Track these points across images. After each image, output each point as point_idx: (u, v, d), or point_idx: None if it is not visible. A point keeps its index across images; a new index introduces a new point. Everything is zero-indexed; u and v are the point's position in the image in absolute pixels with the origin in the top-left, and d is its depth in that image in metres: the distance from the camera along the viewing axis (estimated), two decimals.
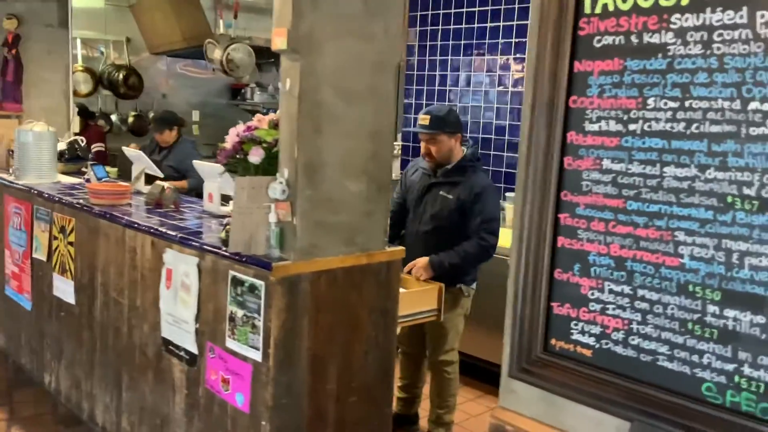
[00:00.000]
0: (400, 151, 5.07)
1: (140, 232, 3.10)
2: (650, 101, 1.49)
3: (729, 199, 1.39)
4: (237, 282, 2.60)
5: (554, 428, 1.68)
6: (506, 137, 5.08)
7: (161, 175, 4.09)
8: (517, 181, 1.71)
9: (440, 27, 5.45)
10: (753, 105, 1.35)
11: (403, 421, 3.74)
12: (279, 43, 2.41)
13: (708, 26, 1.40)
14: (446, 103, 5.44)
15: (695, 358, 1.46)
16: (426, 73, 5.57)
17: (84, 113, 6.85)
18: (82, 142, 4.72)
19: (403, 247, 2.89)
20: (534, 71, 1.64)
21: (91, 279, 3.47)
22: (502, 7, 5.04)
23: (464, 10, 5.28)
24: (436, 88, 5.54)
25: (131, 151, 4.16)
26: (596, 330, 1.59)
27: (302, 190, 2.49)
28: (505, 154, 5.08)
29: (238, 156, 2.65)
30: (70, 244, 3.59)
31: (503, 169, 5.09)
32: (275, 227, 2.52)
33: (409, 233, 3.55)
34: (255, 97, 7.80)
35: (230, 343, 2.64)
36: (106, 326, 3.39)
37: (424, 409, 3.86)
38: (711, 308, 1.43)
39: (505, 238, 4.29)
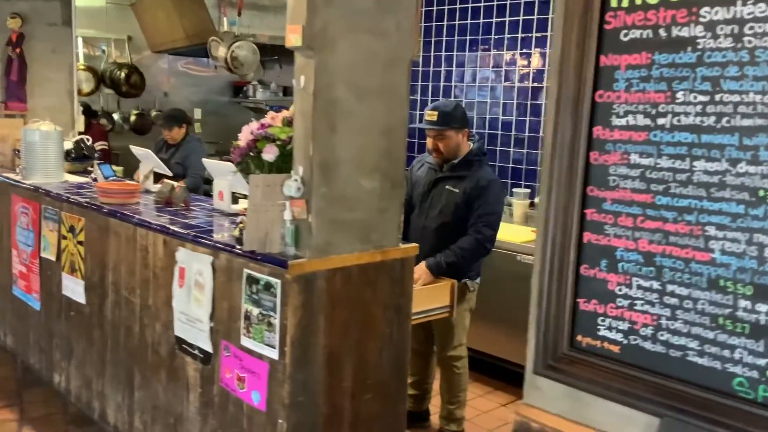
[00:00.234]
0: None
1: (152, 230, 3.09)
2: (679, 95, 1.48)
3: (761, 193, 1.38)
4: (252, 280, 2.59)
5: (581, 425, 1.67)
6: (512, 133, 5.08)
7: (170, 174, 4.08)
8: (542, 177, 1.70)
9: (445, 22, 5.43)
10: None
11: (415, 418, 3.73)
12: (293, 40, 2.40)
13: (739, 19, 1.39)
14: (452, 98, 5.43)
15: (726, 353, 1.45)
16: (431, 68, 5.56)
17: (87, 112, 6.84)
18: (88, 141, 4.69)
19: (417, 244, 2.88)
20: (559, 66, 1.63)
21: (102, 278, 3.45)
22: (508, 2, 5.02)
23: (470, 5, 5.27)
24: (442, 83, 5.53)
25: (139, 150, 4.14)
26: (624, 326, 1.59)
27: (317, 187, 2.48)
28: (511, 149, 5.07)
29: (251, 153, 2.64)
30: (80, 243, 3.58)
31: (510, 165, 5.08)
32: (290, 225, 2.51)
33: (414, 228, 3.53)
34: (258, 95, 7.79)
35: (245, 342, 2.63)
36: (117, 325, 3.38)
37: (434, 405, 3.85)
38: (743, 303, 1.42)
39: (513, 233, 4.30)
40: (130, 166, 5.28)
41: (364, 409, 2.75)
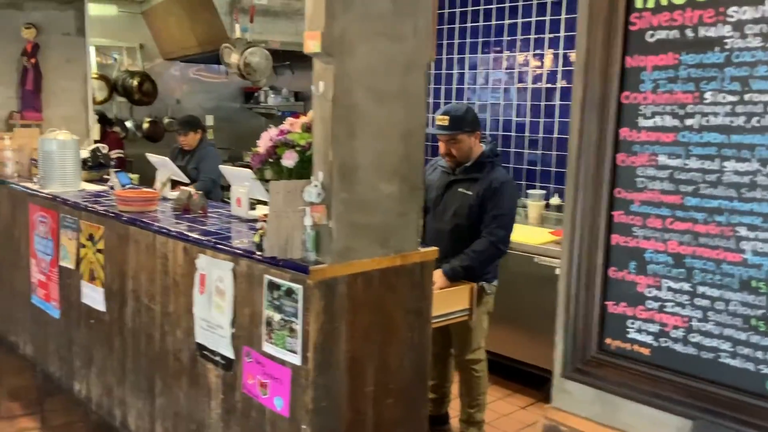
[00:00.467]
0: None
1: (171, 238, 3.10)
2: (708, 95, 1.47)
3: None
4: (273, 286, 2.59)
5: (611, 428, 1.66)
6: (526, 134, 5.06)
7: (186, 181, 4.09)
8: (567, 180, 1.69)
9: (457, 25, 5.43)
10: None
11: (434, 422, 3.72)
12: (312, 46, 2.40)
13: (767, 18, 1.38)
14: (464, 101, 5.43)
15: (759, 354, 1.44)
16: (444, 71, 5.56)
17: (102, 120, 6.88)
18: (104, 149, 4.72)
19: (436, 248, 2.87)
20: (584, 68, 1.62)
21: (122, 286, 3.47)
22: (521, 3, 5.02)
23: (481, 7, 5.27)
24: (454, 86, 5.53)
25: (156, 158, 4.16)
26: (654, 328, 1.58)
27: (337, 192, 2.49)
28: (525, 151, 5.06)
29: (271, 160, 2.65)
30: (99, 251, 3.60)
31: (524, 166, 5.07)
32: (311, 230, 2.51)
33: (429, 232, 3.52)
34: (269, 101, 7.82)
35: (267, 347, 2.64)
36: (137, 333, 3.39)
37: (453, 409, 3.85)
38: None
39: (529, 235, 4.29)
40: (145, 174, 5.30)
41: (387, 413, 2.75)
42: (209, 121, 8.03)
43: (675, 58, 1.51)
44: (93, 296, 3.69)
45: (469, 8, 5.33)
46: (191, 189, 4.52)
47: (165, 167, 4.08)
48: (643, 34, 1.56)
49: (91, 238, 3.67)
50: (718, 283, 1.48)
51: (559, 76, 4.85)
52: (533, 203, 4.76)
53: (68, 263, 3.88)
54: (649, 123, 1.56)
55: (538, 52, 4.96)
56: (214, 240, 2.89)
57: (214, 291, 2.88)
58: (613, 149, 1.60)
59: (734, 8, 1.43)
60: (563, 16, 4.79)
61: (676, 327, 1.55)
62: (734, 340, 1.47)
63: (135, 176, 4.92)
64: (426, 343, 2.89)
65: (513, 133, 5.12)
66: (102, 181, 4.64)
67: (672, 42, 1.51)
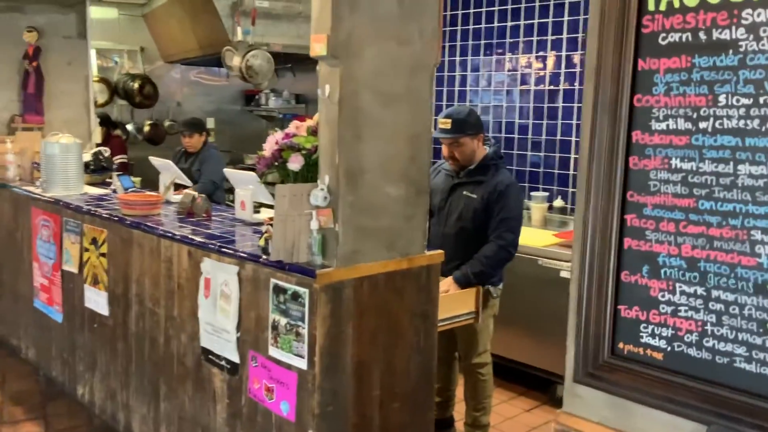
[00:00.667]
0: None
1: (176, 241, 3.09)
2: (721, 98, 1.46)
3: None
4: (279, 290, 2.58)
5: None
6: (529, 136, 5.06)
7: (190, 184, 4.08)
8: (579, 183, 1.68)
9: (459, 27, 5.43)
10: None
11: (439, 425, 3.70)
12: (318, 49, 2.39)
13: None
14: (467, 103, 5.42)
15: None
16: (446, 73, 5.55)
17: (106, 122, 6.87)
18: (106, 152, 4.71)
19: (442, 251, 2.86)
20: (595, 70, 1.61)
21: (125, 290, 3.46)
22: (522, 5, 5.01)
23: (483, 9, 5.26)
24: (457, 88, 5.52)
25: (159, 161, 4.15)
26: (668, 332, 1.57)
27: (344, 196, 2.48)
28: (528, 153, 5.05)
29: (277, 163, 2.64)
30: (103, 255, 3.59)
31: (527, 168, 5.06)
32: (317, 234, 2.50)
33: (434, 235, 3.51)
34: (270, 103, 7.81)
35: (273, 352, 2.63)
36: (141, 337, 3.38)
37: (458, 412, 3.83)
38: None
39: (533, 237, 4.27)
40: (146, 177, 5.29)
41: (393, 418, 2.74)
42: (210, 123, 8.01)
43: (688, 61, 1.50)
44: (96, 300, 3.68)
45: (472, 10, 5.33)
46: (194, 191, 4.51)
47: (168, 170, 4.07)
48: (656, 37, 1.55)
49: (94, 241, 3.65)
50: (732, 287, 1.47)
51: (561, 78, 4.85)
52: (536, 205, 4.75)
53: (71, 267, 3.87)
54: (662, 126, 1.55)
55: (540, 54, 4.95)
56: (219, 243, 2.87)
57: (219, 295, 2.87)
58: (626, 152, 1.60)
59: (748, 10, 1.42)
60: (566, 18, 4.79)
61: (690, 331, 1.54)
62: (749, 345, 1.46)
63: (137, 179, 4.92)
64: (432, 347, 2.88)
65: (516, 135, 5.11)
66: (104, 184, 4.63)
67: (685, 45, 1.51)
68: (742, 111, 1.43)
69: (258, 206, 3.60)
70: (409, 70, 2.63)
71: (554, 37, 4.87)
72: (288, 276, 2.54)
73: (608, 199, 1.62)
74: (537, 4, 4.93)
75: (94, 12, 6.17)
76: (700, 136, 1.49)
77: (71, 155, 4.19)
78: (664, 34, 1.54)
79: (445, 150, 3.43)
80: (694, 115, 1.50)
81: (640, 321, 1.60)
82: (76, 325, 3.92)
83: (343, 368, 2.55)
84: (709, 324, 1.51)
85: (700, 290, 1.51)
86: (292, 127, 2.67)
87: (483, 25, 5.28)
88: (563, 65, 4.83)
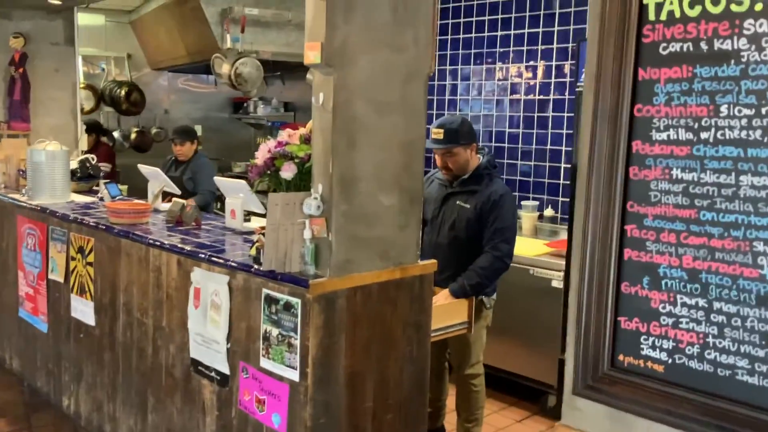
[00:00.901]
0: None
1: (165, 250, 3.04)
2: (723, 109, 1.45)
3: None
4: (271, 300, 2.55)
5: None
6: (519, 145, 5.06)
7: (178, 192, 4.04)
8: (578, 192, 1.67)
9: (449, 36, 5.43)
10: None
11: None
12: (312, 57, 2.37)
13: None
14: (457, 112, 5.42)
15: None
16: (436, 82, 5.55)
17: (96, 129, 6.81)
18: (93, 160, 4.65)
19: (435, 260, 2.84)
20: (595, 80, 1.60)
21: (113, 299, 3.41)
22: (513, 15, 5.02)
23: (474, 19, 5.27)
24: (447, 97, 5.52)
25: (147, 169, 4.11)
26: (668, 345, 1.55)
27: (337, 205, 2.45)
28: (518, 162, 5.05)
29: (269, 172, 2.61)
30: (89, 264, 3.53)
31: (517, 178, 5.06)
32: (310, 243, 2.47)
33: (427, 245, 3.48)
34: (259, 111, 7.78)
35: (265, 363, 2.59)
36: (129, 347, 3.33)
37: (449, 422, 3.80)
38: None
39: (524, 246, 4.26)
40: (134, 185, 5.24)
41: (386, 429, 2.71)
42: (197, 131, 7.96)
43: (689, 71, 1.49)
44: (82, 310, 3.62)
45: (462, 20, 5.33)
46: (191, 201, 4.46)
47: (157, 179, 4.02)
48: (657, 47, 1.54)
49: (81, 250, 3.60)
50: (734, 299, 1.46)
51: (552, 87, 4.85)
52: (527, 215, 4.75)
53: (57, 276, 3.81)
54: (663, 136, 1.54)
55: (531, 63, 4.96)
56: (209, 253, 2.84)
57: (209, 305, 2.83)
58: (626, 162, 1.58)
59: (750, 21, 1.41)
60: (556, 28, 4.80)
61: (691, 343, 1.52)
62: (752, 357, 1.45)
63: (124, 187, 4.87)
64: (425, 357, 2.85)
65: (506, 145, 5.11)
66: (91, 192, 4.57)
67: (686, 54, 1.50)
68: (744, 122, 1.43)
69: (247, 215, 3.57)
70: (403, 78, 2.61)
71: (544, 47, 4.88)
72: (280, 286, 2.51)
73: (608, 210, 1.60)
74: (527, 14, 4.94)
75: (81, 19, 6.12)
76: (702, 146, 1.48)
77: (58, 163, 4.13)
78: (665, 44, 1.53)
79: (438, 160, 3.41)
80: (696, 126, 1.49)
81: (640, 333, 1.59)
82: (61, 335, 3.85)
83: (336, 379, 2.51)
84: (710, 336, 1.49)
85: (701, 302, 1.50)
86: (285, 135, 2.65)
87: (473, 35, 5.28)
88: (553, 75, 4.84)
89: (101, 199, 4.19)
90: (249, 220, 3.51)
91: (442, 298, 3.21)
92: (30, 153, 4.14)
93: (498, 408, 4.26)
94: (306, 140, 2.60)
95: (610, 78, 1.58)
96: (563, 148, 4.78)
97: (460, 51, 5.37)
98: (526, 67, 4.99)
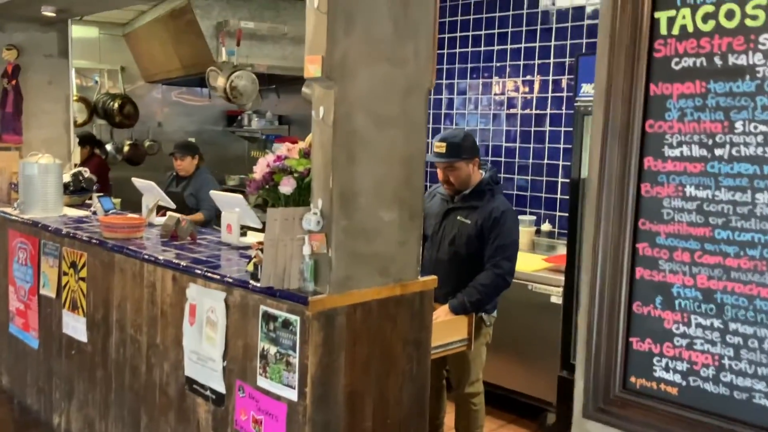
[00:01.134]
0: None
1: (160, 266, 2.99)
2: (738, 125, 1.42)
3: None
4: (269, 317, 2.49)
5: None
6: (516, 160, 5.03)
7: (173, 206, 3.98)
8: (587, 210, 1.63)
9: (446, 51, 5.41)
10: None
11: None
12: (313, 71, 2.33)
13: None
14: (453, 126, 5.39)
15: None
16: (432, 96, 5.53)
17: (91, 141, 6.76)
18: (86, 173, 4.60)
19: (435, 276, 2.80)
20: (605, 95, 1.57)
21: (106, 316, 3.34)
22: (509, 30, 5.01)
23: (470, 33, 5.26)
24: (443, 111, 5.49)
25: (141, 182, 4.05)
26: (683, 366, 1.51)
27: (337, 220, 2.41)
28: (515, 176, 5.03)
29: (267, 186, 2.56)
30: (82, 279, 3.47)
31: (514, 192, 5.03)
32: (309, 260, 2.42)
33: (427, 260, 3.44)
34: (253, 124, 7.74)
35: (262, 382, 2.53)
36: (122, 365, 3.26)
37: None
38: None
39: (522, 262, 4.21)
40: (126, 198, 5.17)
41: None
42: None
43: (703, 86, 1.46)
44: (74, 326, 3.56)
45: (458, 34, 5.32)
46: (197, 216, 4.40)
47: (151, 192, 3.97)
48: (669, 62, 1.51)
49: (73, 265, 3.54)
50: (751, 320, 1.42)
51: (548, 102, 4.84)
52: (524, 229, 4.69)
53: (49, 291, 3.74)
54: (676, 152, 1.50)
55: (528, 78, 4.94)
56: (205, 268, 2.78)
57: (205, 322, 2.77)
58: (637, 179, 1.55)
59: (765, 36, 1.38)
60: (553, 42, 4.79)
61: (706, 365, 1.48)
62: None
63: (117, 201, 4.80)
64: (425, 375, 2.80)
65: (503, 159, 5.08)
66: (84, 206, 4.51)
67: (699, 70, 1.47)
68: (759, 138, 1.39)
69: (251, 230, 3.52)
70: (403, 92, 2.58)
71: (541, 62, 4.87)
72: (278, 303, 2.46)
73: (619, 227, 1.56)
74: (524, 28, 4.93)
75: (75, 31, 6.08)
76: (716, 163, 1.45)
77: (51, 176, 4.08)
78: (677, 59, 1.50)
79: (440, 174, 3.37)
80: (710, 142, 1.46)
81: (653, 354, 1.55)
82: (53, 351, 3.78)
83: (335, 399, 2.46)
84: (726, 358, 1.45)
85: (716, 323, 1.46)
86: (284, 149, 2.61)
87: (470, 49, 5.27)
88: (550, 89, 4.83)
89: (94, 212, 4.14)
90: (245, 235, 3.46)
91: (442, 313, 3.16)
92: (22, 166, 4.09)
93: (496, 426, 4.20)
94: (305, 154, 2.56)
95: (620, 93, 1.55)
96: (560, 163, 4.75)
97: (457, 65, 5.36)
98: (523, 82, 4.98)
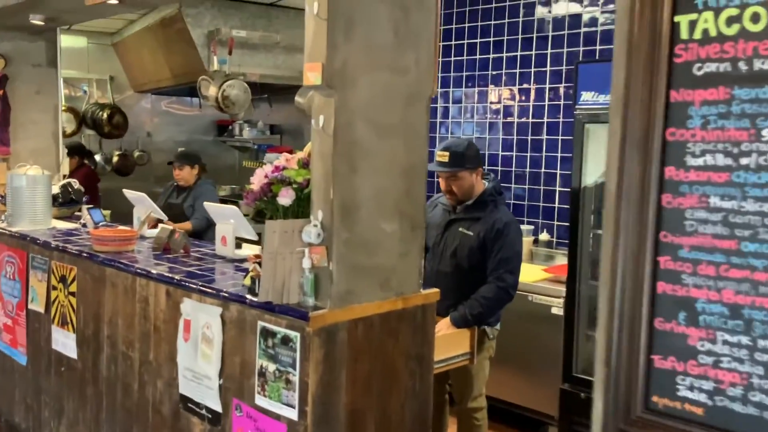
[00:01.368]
0: None
1: (153, 280, 2.90)
2: (765, 133, 1.36)
3: None
4: (268, 333, 2.41)
5: None
6: (513, 168, 4.98)
7: (165, 218, 3.89)
8: (605, 222, 1.56)
9: (440, 59, 5.36)
10: None
11: None
12: (312, 78, 2.26)
13: None
14: (449, 136, 5.33)
15: None
16: None
17: (80, 151, 6.65)
18: (75, 184, 4.50)
19: (438, 289, 2.72)
20: (623, 103, 1.51)
21: (96, 331, 3.24)
22: (505, 38, 4.97)
23: (465, 41, 5.21)
24: (438, 120, 5.44)
25: (133, 194, 3.96)
26: (708, 385, 1.44)
27: (338, 232, 2.33)
28: (512, 185, 4.97)
29: (266, 198, 2.49)
30: (72, 294, 3.37)
31: (511, 201, 4.97)
32: (309, 273, 2.35)
33: (428, 272, 3.37)
34: (244, 134, 7.66)
35: (260, 401, 2.44)
36: (113, 382, 3.16)
37: None
38: None
39: (522, 272, 4.15)
40: (115, 209, 5.06)
41: None
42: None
43: (727, 93, 1.40)
44: (64, 342, 3.45)
45: (453, 42, 5.27)
46: (184, 226, 4.27)
47: (142, 204, 3.88)
48: (690, 67, 1.45)
49: (63, 280, 3.44)
50: None
51: (545, 110, 4.79)
52: (524, 239, 4.64)
53: (37, 306, 3.64)
54: (699, 162, 1.44)
55: (524, 86, 4.90)
56: (200, 283, 2.70)
57: (200, 338, 2.68)
58: (658, 190, 1.48)
59: None
60: (549, 51, 4.75)
61: (733, 384, 1.41)
62: None
63: (107, 212, 4.70)
64: (428, 392, 2.72)
65: (499, 168, 5.02)
66: (73, 218, 4.41)
67: (723, 75, 1.41)
68: None
69: (246, 242, 3.43)
70: (404, 100, 2.52)
71: (537, 70, 4.82)
72: (277, 318, 2.37)
73: (639, 240, 1.50)
74: (520, 36, 4.89)
75: (63, 41, 5.99)
76: (742, 173, 1.39)
77: (39, 188, 3.98)
78: (699, 64, 1.44)
79: (442, 183, 3.30)
80: (735, 151, 1.40)
81: (676, 372, 1.48)
82: (41, 368, 3.67)
83: (336, 418, 2.38)
84: (755, 376, 1.39)
85: (744, 340, 1.39)
86: (282, 159, 2.53)
87: (465, 57, 5.22)
88: (547, 98, 4.78)
89: (84, 225, 4.04)
90: (239, 247, 3.38)
91: (443, 327, 3.09)
92: (10, 178, 3.98)
93: None
94: (304, 164, 2.49)
95: (639, 101, 1.49)
96: (558, 172, 4.70)
97: (452, 73, 5.30)
98: (519, 90, 4.93)
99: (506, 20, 4.94)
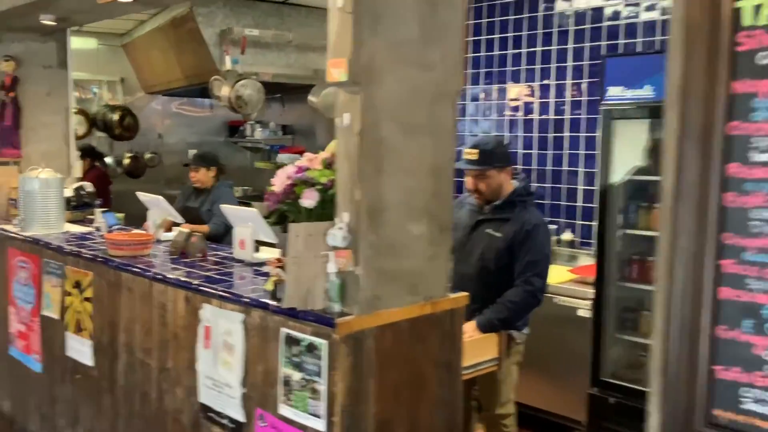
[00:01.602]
0: None
1: (171, 285, 2.81)
2: None
3: None
4: (292, 341, 2.32)
5: None
6: (533, 166, 4.87)
7: (181, 220, 3.81)
8: (662, 222, 1.46)
9: None
10: None
11: None
12: (337, 75, 2.17)
13: None
14: (466, 133, 5.23)
15: None
16: None
17: (91, 154, 6.59)
18: (88, 187, 4.42)
19: (467, 293, 2.62)
20: (680, 95, 1.41)
21: (113, 338, 3.16)
22: (524, 33, 4.86)
23: (483, 37, 5.11)
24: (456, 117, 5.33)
25: (147, 196, 3.88)
26: None
27: (365, 235, 2.24)
28: (534, 184, 4.85)
29: (288, 200, 2.40)
30: (87, 300, 3.29)
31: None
32: (335, 278, 2.25)
33: (454, 274, 3.25)
34: (256, 134, 7.57)
35: (284, 410, 2.36)
36: (130, 390, 3.08)
37: None
38: None
39: (549, 275, 4.05)
40: (127, 212, 4.97)
41: None
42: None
43: None
44: (79, 349, 3.37)
45: (470, 38, 5.17)
46: (200, 228, 4.16)
47: (158, 206, 3.80)
48: (753, 56, 1.35)
49: (77, 285, 3.36)
50: None
51: (567, 107, 4.68)
52: None
53: (52, 312, 3.56)
54: (765, 157, 1.34)
55: (544, 82, 4.79)
56: (220, 288, 2.61)
57: (221, 345, 2.59)
58: (720, 188, 1.38)
59: None
60: (570, 45, 4.64)
61: None
62: None
63: (120, 215, 4.62)
64: (457, 399, 2.63)
65: (519, 166, 4.91)
66: (86, 221, 4.34)
67: None
68: None
69: (265, 245, 3.33)
70: (431, 98, 2.42)
71: (558, 65, 4.71)
72: (302, 325, 2.28)
73: (699, 242, 1.40)
74: (540, 31, 4.78)
75: (73, 42, 5.93)
76: None
77: (52, 191, 3.90)
78: (763, 53, 1.34)
79: (469, 182, 3.18)
80: None
81: (741, 384, 1.38)
82: (56, 375, 3.60)
83: (365, 428, 2.28)
84: None
85: None
86: (305, 159, 2.44)
87: (482, 54, 5.11)
88: (568, 94, 4.67)
89: (98, 229, 3.96)
90: (257, 250, 3.29)
91: (469, 330, 2.98)
92: (22, 181, 3.91)
93: None
94: (328, 165, 2.39)
95: (698, 93, 1.39)
96: (581, 170, 4.59)
97: (470, 70, 5.20)
98: (540, 86, 4.82)
99: (525, 15, 4.83)
